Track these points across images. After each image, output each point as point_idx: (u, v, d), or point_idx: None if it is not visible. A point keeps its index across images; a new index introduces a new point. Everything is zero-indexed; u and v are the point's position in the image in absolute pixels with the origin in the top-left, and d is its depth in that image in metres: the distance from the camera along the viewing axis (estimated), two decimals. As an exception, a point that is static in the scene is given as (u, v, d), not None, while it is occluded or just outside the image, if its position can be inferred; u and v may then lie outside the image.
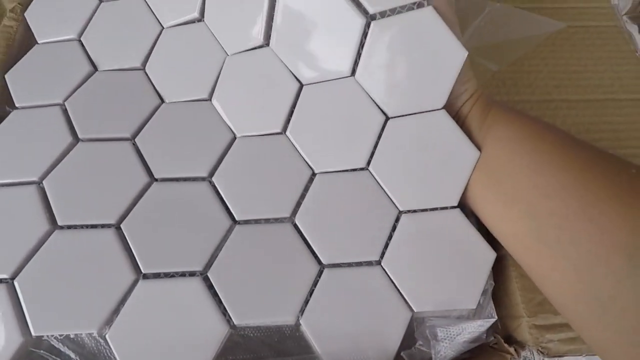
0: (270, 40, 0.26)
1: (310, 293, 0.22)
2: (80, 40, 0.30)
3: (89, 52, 0.29)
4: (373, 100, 0.25)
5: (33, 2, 0.31)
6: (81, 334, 0.21)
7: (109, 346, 0.20)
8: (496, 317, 0.22)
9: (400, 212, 0.24)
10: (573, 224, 0.17)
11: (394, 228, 0.23)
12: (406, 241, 0.23)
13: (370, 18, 0.23)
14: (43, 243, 0.22)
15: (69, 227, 0.23)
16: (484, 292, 0.22)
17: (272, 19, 0.26)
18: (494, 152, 0.22)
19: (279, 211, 0.24)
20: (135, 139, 0.26)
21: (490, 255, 0.23)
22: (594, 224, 0.17)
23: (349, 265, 0.23)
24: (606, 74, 0.31)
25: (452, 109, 0.23)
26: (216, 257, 0.23)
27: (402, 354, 0.22)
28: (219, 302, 0.21)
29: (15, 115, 0.27)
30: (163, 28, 0.30)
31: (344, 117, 0.25)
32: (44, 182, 0.24)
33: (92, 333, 0.21)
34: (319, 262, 0.23)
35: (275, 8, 0.25)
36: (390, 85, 0.24)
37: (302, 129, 0.26)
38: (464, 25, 0.30)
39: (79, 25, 0.30)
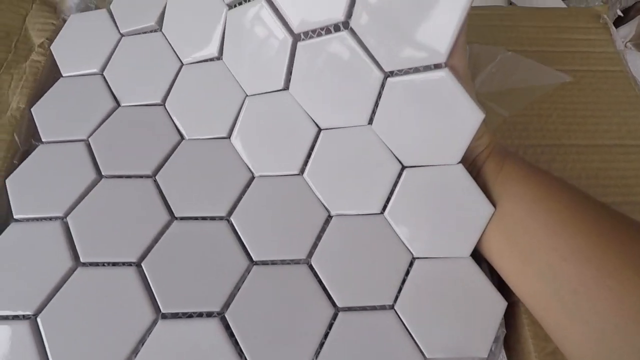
0: (290, 85, 0.27)
1: (325, 336, 0.22)
2: (102, 75, 0.31)
3: (111, 86, 0.30)
4: (389, 149, 0.25)
5: (59, 35, 0.32)
6: (101, 373, 0.21)
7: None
8: (508, 365, 0.22)
9: (414, 258, 0.24)
10: (591, 290, 0.18)
11: (407, 273, 0.24)
12: (419, 287, 0.24)
13: (387, 74, 0.24)
14: (66, 280, 0.23)
15: (92, 264, 0.24)
16: (496, 339, 0.23)
17: (293, 65, 0.27)
18: (509, 208, 0.22)
19: (296, 252, 0.24)
20: (156, 176, 0.27)
21: (502, 304, 0.23)
22: (613, 293, 0.17)
23: (363, 308, 0.23)
24: (613, 119, 0.32)
25: (466, 160, 0.24)
26: (234, 297, 0.23)
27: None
28: (235, 343, 0.22)
29: (41, 149, 0.28)
30: (182, 64, 0.31)
31: (360, 163, 0.26)
32: (68, 218, 0.25)
33: (113, 372, 0.21)
34: (334, 304, 0.23)
35: (296, 56, 0.26)
36: (407, 138, 0.25)
37: (320, 172, 0.26)
38: (477, 70, 0.31)
39: (101, 59, 0.31)
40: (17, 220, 0.25)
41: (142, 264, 0.24)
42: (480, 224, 0.23)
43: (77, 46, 0.32)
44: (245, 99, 0.29)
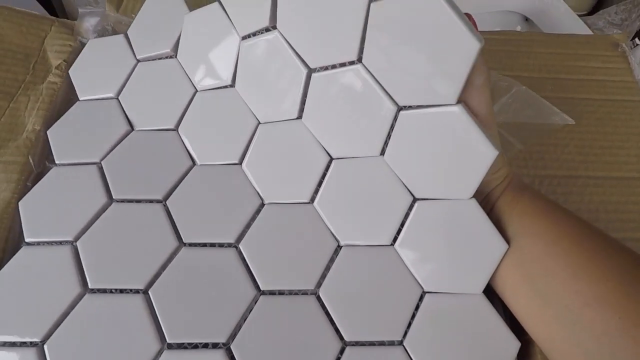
0: (303, 115, 0.27)
1: (332, 371, 0.22)
2: (118, 99, 0.31)
3: (126, 111, 0.31)
4: (401, 181, 0.25)
5: (77, 60, 0.32)
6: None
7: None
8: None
9: (424, 292, 0.24)
10: (614, 340, 0.17)
11: (417, 307, 0.23)
12: (429, 322, 0.23)
13: (400, 107, 0.24)
14: (74, 306, 0.23)
15: (100, 290, 0.24)
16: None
17: (306, 96, 0.27)
18: (527, 246, 0.21)
19: (304, 283, 0.24)
20: (167, 201, 0.27)
21: (515, 344, 0.22)
22: (638, 345, 0.16)
23: (372, 343, 0.23)
24: (632, 150, 0.31)
25: (480, 193, 0.23)
26: (240, 328, 0.23)
27: None
28: (240, 376, 0.22)
29: (54, 172, 0.28)
30: (196, 91, 0.31)
31: (371, 193, 0.25)
32: (77, 242, 0.25)
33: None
34: (341, 337, 0.23)
35: (310, 86, 0.26)
36: (418, 171, 0.24)
37: (330, 201, 0.26)
38: (493, 100, 0.31)
39: (117, 83, 0.32)
40: (28, 244, 0.25)
41: (150, 292, 0.23)
42: (493, 261, 0.23)
43: (94, 71, 0.33)
44: (257, 126, 0.29)
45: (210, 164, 0.29)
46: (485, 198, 0.24)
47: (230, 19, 0.30)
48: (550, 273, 0.20)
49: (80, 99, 0.31)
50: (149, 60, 0.33)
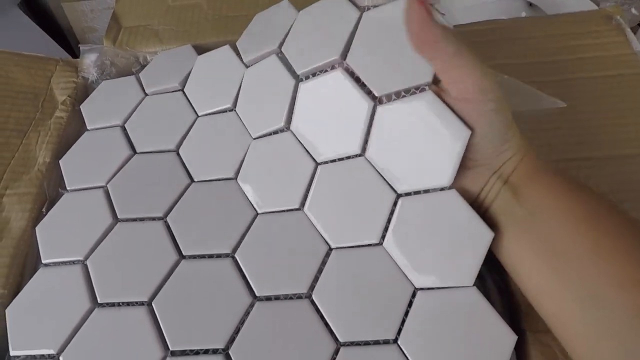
0: (291, 124, 0.29)
1: (327, 372, 0.22)
2: (123, 127, 0.34)
3: (130, 136, 0.33)
4: (383, 178, 0.25)
5: (89, 97, 0.35)
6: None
7: None
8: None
9: (416, 289, 0.24)
10: None
11: (410, 304, 0.24)
12: (422, 319, 0.23)
13: (377, 102, 0.25)
14: (85, 320, 0.25)
15: (108, 304, 0.25)
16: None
17: (294, 106, 0.28)
18: (545, 225, 0.20)
19: (297, 287, 0.25)
20: (167, 218, 0.28)
21: (511, 337, 0.22)
22: None
23: (366, 343, 0.23)
24: (632, 127, 0.30)
25: (491, 166, 0.23)
26: (237, 333, 0.24)
27: None
28: (239, 380, 0.23)
29: (66, 197, 0.30)
30: (198, 116, 0.33)
31: (356, 193, 0.26)
32: (87, 261, 0.27)
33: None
34: (336, 339, 0.23)
35: (296, 98, 0.28)
36: (398, 164, 0.25)
37: (318, 205, 0.27)
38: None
39: (124, 113, 0.34)
40: (45, 265, 0.28)
41: (153, 303, 0.25)
42: (480, 250, 0.22)
43: (103, 105, 0.35)
44: (251, 142, 0.30)
45: (207, 179, 0.30)
46: (497, 173, 0.23)
47: (239, 56, 0.33)
48: (573, 253, 0.19)
49: (88, 129, 0.34)
50: (156, 94, 0.35)
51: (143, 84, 0.36)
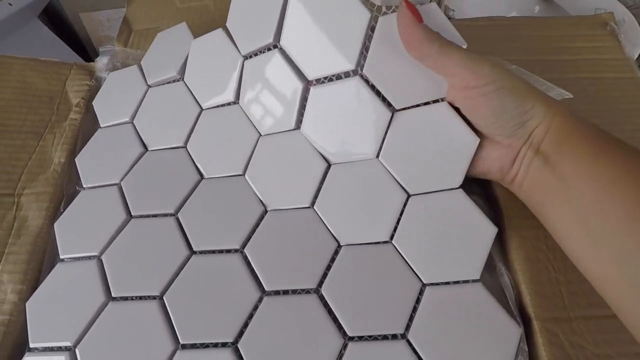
0: (302, 125, 0.29)
1: (336, 366, 0.23)
2: (133, 123, 0.35)
3: (140, 133, 0.34)
4: (395, 179, 0.26)
5: (99, 92, 0.36)
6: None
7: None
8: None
9: (424, 285, 0.24)
10: None
11: (418, 300, 0.24)
12: (431, 314, 0.23)
13: (393, 110, 0.26)
14: (100, 313, 0.26)
15: (122, 298, 0.26)
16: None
17: (304, 107, 0.29)
18: (579, 188, 0.21)
19: (306, 282, 0.25)
20: (178, 214, 0.29)
21: (517, 329, 0.22)
22: None
23: (375, 338, 0.23)
24: (626, 126, 0.30)
25: (520, 138, 0.23)
26: (246, 327, 0.24)
27: None
28: (249, 373, 0.23)
29: (82, 195, 0.31)
30: (202, 109, 0.33)
31: (368, 194, 0.27)
32: (102, 256, 0.28)
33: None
34: (344, 333, 0.23)
35: (308, 98, 0.28)
36: (410, 168, 0.26)
37: (329, 204, 0.27)
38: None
39: (131, 109, 0.35)
40: (62, 260, 0.29)
41: (164, 297, 0.25)
42: (485, 245, 0.23)
43: (112, 100, 0.36)
44: (259, 138, 0.31)
45: (217, 176, 0.31)
46: (526, 142, 0.23)
47: (233, 41, 0.32)
48: (605, 214, 0.20)
49: (101, 126, 0.35)
50: (158, 85, 0.36)
51: (145, 73, 0.37)
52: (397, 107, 0.26)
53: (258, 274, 0.26)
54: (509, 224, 0.26)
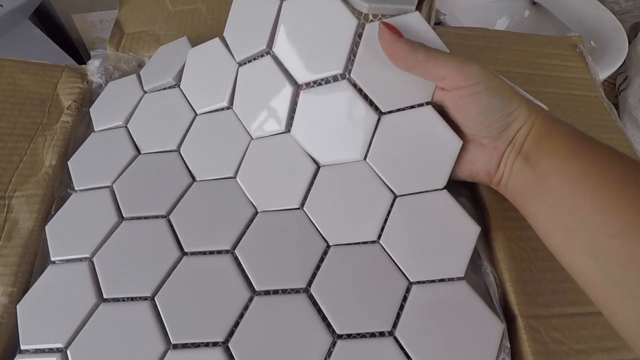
0: (292, 129, 0.30)
1: (325, 364, 0.23)
2: (127, 127, 0.35)
3: (133, 137, 0.34)
4: (382, 181, 0.27)
5: (97, 99, 0.36)
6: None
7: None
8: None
9: (411, 283, 0.25)
10: None
11: (404, 298, 0.24)
12: (417, 311, 0.24)
13: (380, 114, 0.27)
14: (91, 315, 0.26)
15: (113, 299, 0.26)
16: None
17: (294, 111, 0.29)
18: (554, 185, 0.22)
19: (295, 282, 0.26)
20: (170, 216, 0.29)
21: (499, 326, 0.23)
22: None
23: (363, 335, 0.24)
24: None
25: (504, 140, 0.24)
26: (237, 326, 0.25)
27: None
28: (239, 372, 0.23)
29: (74, 197, 0.31)
30: (196, 114, 0.34)
31: (356, 195, 0.27)
32: (94, 258, 0.28)
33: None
34: (333, 331, 0.24)
35: (298, 102, 0.29)
36: (397, 169, 0.27)
37: (318, 205, 0.28)
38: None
39: (126, 113, 0.35)
40: (54, 262, 0.29)
41: (155, 298, 0.26)
42: (469, 244, 0.24)
43: (108, 106, 0.36)
44: (250, 141, 0.31)
45: (208, 179, 0.31)
46: (511, 142, 0.24)
47: (229, 50, 0.33)
48: (577, 208, 0.20)
49: (95, 130, 0.35)
50: (154, 91, 0.36)
51: (142, 81, 0.37)
52: (383, 110, 0.27)
53: (248, 274, 0.26)
54: (494, 224, 0.27)
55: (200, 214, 0.29)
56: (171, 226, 0.29)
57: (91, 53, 0.38)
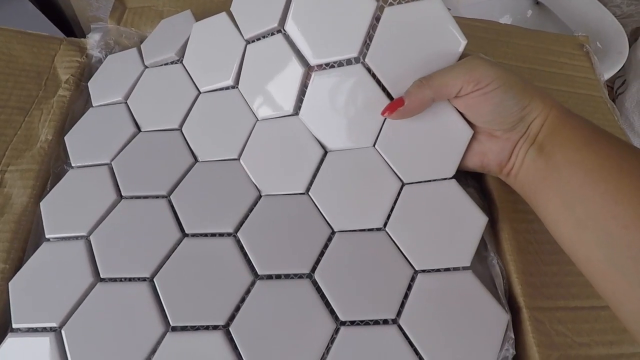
0: (300, 111, 0.29)
1: (327, 351, 0.23)
2: (126, 103, 0.34)
3: (134, 114, 0.33)
4: (391, 168, 0.27)
5: (95, 73, 0.35)
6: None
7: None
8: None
9: (416, 272, 0.24)
10: None
11: (409, 287, 0.24)
12: (422, 300, 0.24)
13: (391, 99, 0.26)
14: (87, 294, 0.25)
15: (110, 279, 0.26)
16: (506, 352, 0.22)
17: (304, 93, 0.29)
18: (566, 176, 0.22)
19: (299, 267, 0.25)
20: (171, 196, 0.29)
21: (504, 316, 0.23)
22: None
23: (366, 323, 0.24)
24: None
25: (518, 131, 0.24)
26: (238, 310, 0.24)
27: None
28: (239, 356, 0.23)
29: (71, 174, 0.30)
30: (199, 93, 0.33)
31: (363, 181, 0.27)
32: (90, 237, 0.27)
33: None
34: (336, 318, 0.24)
35: (309, 84, 0.28)
36: (406, 157, 0.26)
37: (324, 190, 0.27)
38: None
39: (125, 88, 0.34)
40: (48, 240, 0.28)
41: (155, 279, 0.25)
42: (476, 233, 0.24)
43: (107, 80, 0.35)
44: (255, 123, 0.30)
45: (211, 160, 0.30)
46: (524, 135, 0.24)
47: (237, 25, 0.32)
48: (590, 200, 0.21)
49: (93, 105, 0.34)
50: (156, 66, 0.35)
51: (143, 55, 0.36)
52: (395, 97, 0.26)
53: (251, 258, 0.26)
54: (502, 216, 0.27)
55: (202, 195, 0.28)
56: (172, 207, 0.28)
57: (91, 26, 0.36)
